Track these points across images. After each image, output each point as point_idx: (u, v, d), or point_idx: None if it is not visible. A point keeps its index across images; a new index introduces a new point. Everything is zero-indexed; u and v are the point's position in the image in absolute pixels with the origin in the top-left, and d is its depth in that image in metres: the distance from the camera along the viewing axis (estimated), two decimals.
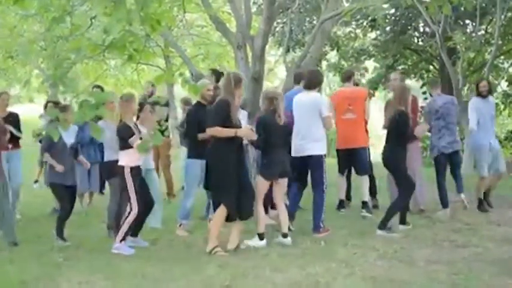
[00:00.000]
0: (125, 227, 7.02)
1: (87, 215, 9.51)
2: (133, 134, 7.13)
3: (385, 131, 8.08)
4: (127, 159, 7.13)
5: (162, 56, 21.38)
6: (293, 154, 7.90)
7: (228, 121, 6.85)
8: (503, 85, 19.83)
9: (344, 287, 5.58)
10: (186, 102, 11.75)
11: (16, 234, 7.70)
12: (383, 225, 7.72)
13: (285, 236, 7.32)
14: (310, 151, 7.76)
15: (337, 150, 9.44)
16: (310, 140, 7.76)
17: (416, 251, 6.88)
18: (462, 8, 16.15)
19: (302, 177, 8.06)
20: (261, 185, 7.33)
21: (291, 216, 7.83)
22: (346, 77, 9.68)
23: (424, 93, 19.01)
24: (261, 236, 7.21)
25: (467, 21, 18.18)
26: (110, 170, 7.77)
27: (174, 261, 6.58)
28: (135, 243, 7.26)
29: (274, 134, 7.29)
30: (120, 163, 7.17)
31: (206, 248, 6.88)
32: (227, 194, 6.85)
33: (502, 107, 19.77)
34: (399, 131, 7.77)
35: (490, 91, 9.52)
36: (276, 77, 33.78)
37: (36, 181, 12.64)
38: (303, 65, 10.65)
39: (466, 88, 18.68)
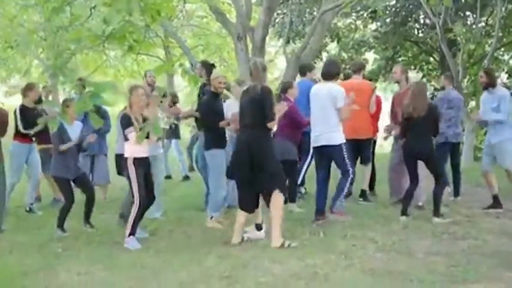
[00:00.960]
0: (130, 222, 6.94)
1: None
2: (131, 125, 6.98)
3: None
4: (131, 150, 7.01)
5: (162, 47, 21.37)
6: (312, 144, 8.02)
7: None
8: (504, 77, 19.83)
9: (343, 278, 5.59)
10: (174, 96, 11.91)
11: (5, 221, 7.95)
12: (437, 213, 8.04)
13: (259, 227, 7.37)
14: (327, 141, 7.79)
15: None
16: (326, 130, 7.78)
17: (415, 243, 6.89)
18: (463, 0, 16.12)
19: (324, 166, 8.09)
20: None
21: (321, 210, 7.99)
22: (357, 69, 9.73)
23: None
24: (258, 227, 7.24)
25: (467, 13, 18.16)
26: (120, 163, 7.67)
27: (173, 252, 6.59)
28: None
29: None
30: (125, 154, 7.07)
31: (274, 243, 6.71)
32: (282, 178, 6.97)
33: None
34: (435, 121, 8.18)
35: (490, 82, 8.97)
36: (276, 68, 33.72)
37: None
38: (303, 56, 10.65)
39: (466, 80, 18.69)
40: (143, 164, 7.06)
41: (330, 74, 7.96)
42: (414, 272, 5.70)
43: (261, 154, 6.79)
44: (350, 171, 7.76)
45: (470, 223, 7.93)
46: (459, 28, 15.54)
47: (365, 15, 19.41)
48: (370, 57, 22.24)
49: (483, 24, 17.82)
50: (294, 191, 8.87)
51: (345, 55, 20.87)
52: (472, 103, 19.91)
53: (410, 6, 18.27)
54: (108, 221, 8.31)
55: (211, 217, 7.95)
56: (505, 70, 19.00)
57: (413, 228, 7.65)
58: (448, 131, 9.29)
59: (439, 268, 5.87)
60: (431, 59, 20.91)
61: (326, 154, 7.89)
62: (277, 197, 6.75)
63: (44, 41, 14.37)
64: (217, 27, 21.20)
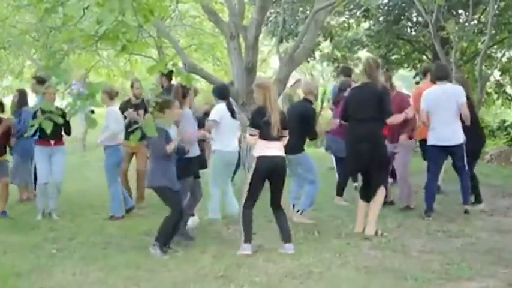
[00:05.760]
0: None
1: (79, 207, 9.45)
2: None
3: None
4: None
5: (155, 47, 21.33)
6: (433, 143, 8.22)
7: None
8: (496, 74, 19.85)
9: (337, 277, 5.60)
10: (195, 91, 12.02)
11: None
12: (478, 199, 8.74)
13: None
14: (452, 141, 8.08)
15: None
16: (450, 129, 8.06)
17: (409, 241, 6.92)
18: None
19: (441, 165, 8.52)
20: None
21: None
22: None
23: (417, 83, 19.03)
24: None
25: (460, 11, 18.18)
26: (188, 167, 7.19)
27: (168, 252, 6.58)
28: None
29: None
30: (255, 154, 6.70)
31: (367, 231, 7.15)
32: (388, 171, 7.72)
33: (495, 96, 19.84)
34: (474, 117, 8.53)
35: None
36: (269, 67, 33.69)
37: None
38: (296, 55, 10.64)
39: None
40: None
41: (444, 75, 8.31)
42: (408, 270, 5.73)
43: (377, 146, 7.21)
44: (467, 167, 8.16)
45: (464, 221, 7.96)
46: (452, 26, 15.53)
47: (358, 13, 19.39)
48: (363, 56, 22.25)
49: (476, 21, 17.82)
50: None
51: (338, 54, 20.88)
52: None
53: (403, 5, 18.28)
54: (102, 221, 8.29)
55: (302, 211, 8.03)
56: (498, 67, 18.98)
57: (408, 226, 7.68)
58: None
59: (433, 266, 5.89)
60: (424, 57, 20.90)
61: (448, 153, 8.23)
62: (382, 189, 7.24)
63: (37, 41, 14.32)
64: (210, 27, 21.15)
